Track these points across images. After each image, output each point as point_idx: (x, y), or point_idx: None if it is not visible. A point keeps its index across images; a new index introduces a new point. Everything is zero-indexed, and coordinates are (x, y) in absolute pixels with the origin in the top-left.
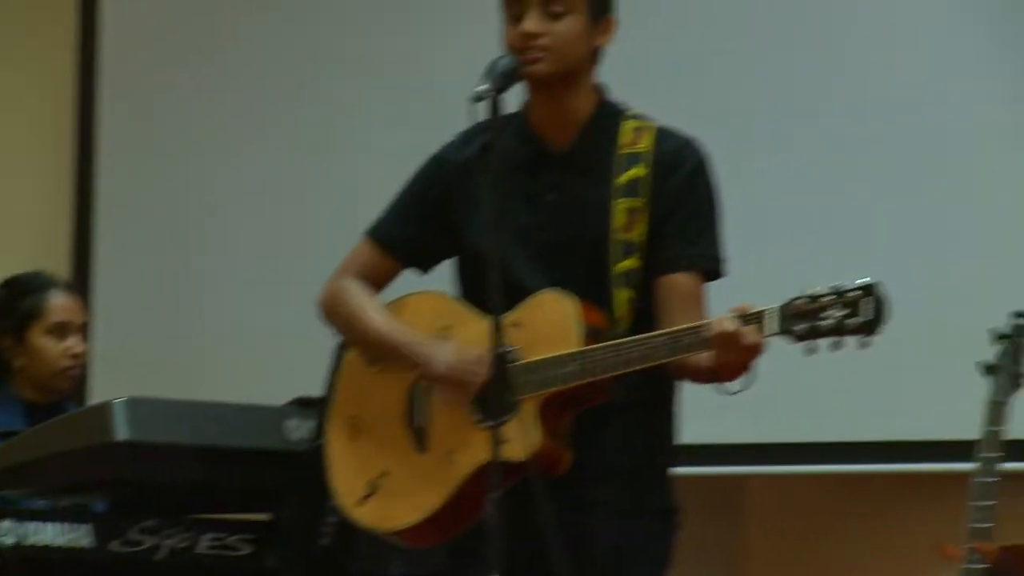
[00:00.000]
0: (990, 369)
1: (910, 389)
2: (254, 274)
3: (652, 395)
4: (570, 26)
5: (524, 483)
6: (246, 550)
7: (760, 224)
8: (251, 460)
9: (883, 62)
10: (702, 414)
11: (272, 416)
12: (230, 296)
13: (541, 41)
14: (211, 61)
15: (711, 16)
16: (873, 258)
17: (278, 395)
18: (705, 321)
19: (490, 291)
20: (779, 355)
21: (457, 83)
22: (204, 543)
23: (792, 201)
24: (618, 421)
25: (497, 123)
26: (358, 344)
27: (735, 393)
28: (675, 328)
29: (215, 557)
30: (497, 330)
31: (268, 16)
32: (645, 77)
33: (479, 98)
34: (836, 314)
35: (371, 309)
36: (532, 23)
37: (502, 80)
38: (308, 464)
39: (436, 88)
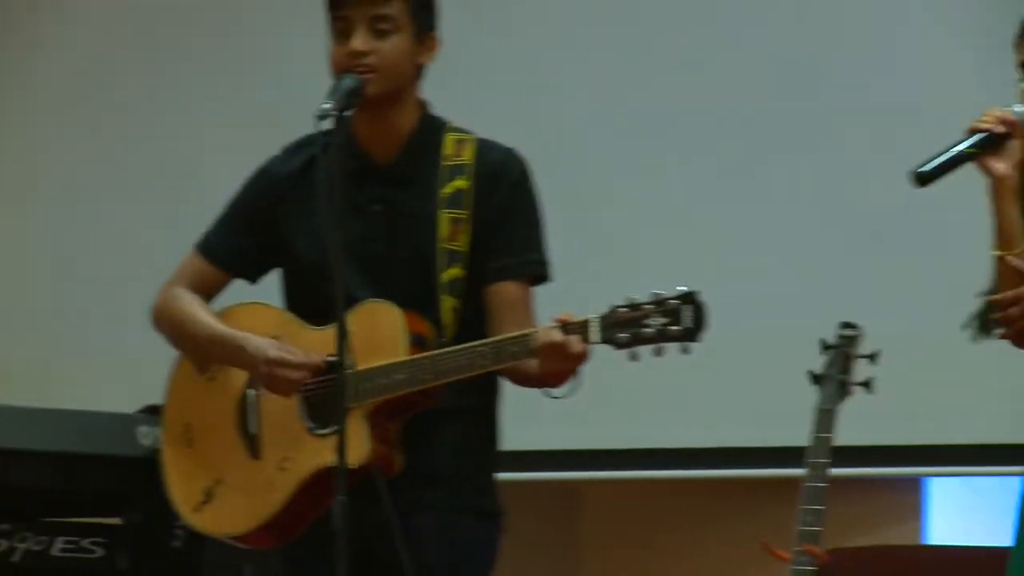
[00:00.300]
0: (818, 378)
1: (743, 396)
2: (105, 282)
3: (477, 401)
4: (396, 44)
5: (354, 488)
6: (99, 553)
7: (594, 231)
8: (103, 465)
9: (704, 67)
10: (537, 420)
11: (123, 423)
12: (81, 305)
13: (369, 59)
14: (54, 59)
15: (534, 24)
16: (709, 266)
17: (130, 403)
18: (530, 331)
19: (335, 298)
20: (613, 361)
21: (298, 101)
22: (58, 546)
23: (629, 207)
24: (445, 426)
25: (341, 139)
26: (188, 348)
27: (562, 397)
28: (500, 337)
29: (69, 560)
30: (341, 337)
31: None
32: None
33: (324, 116)
34: (657, 322)
35: (202, 313)
36: (360, 41)
37: (345, 99)
38: (158, 469)
39: (276, 105)
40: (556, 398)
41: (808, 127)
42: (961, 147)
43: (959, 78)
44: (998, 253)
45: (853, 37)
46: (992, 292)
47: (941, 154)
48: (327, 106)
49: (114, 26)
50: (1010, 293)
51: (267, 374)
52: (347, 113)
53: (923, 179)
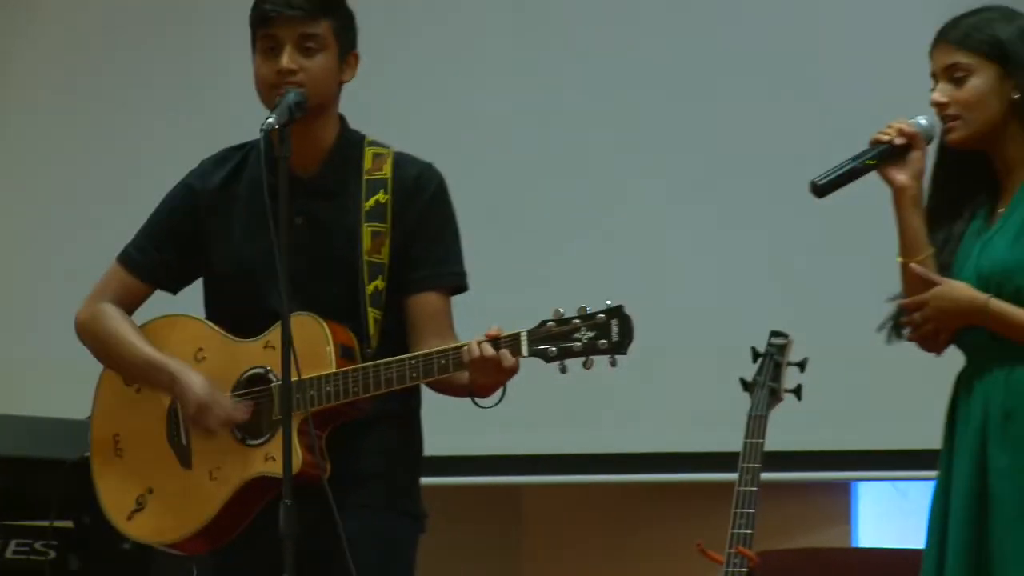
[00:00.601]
0: (749, 385)
1: (678, 403)
2: (56, 289)
3: (399, 407)
4: (322, 63)
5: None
6: (51, 555)
7: (526, 242)
8: (55, 470)
9: (625, 75)
10: (480, 427)
11: (75, 428)
12: (31, 312)
13: (297, 77)
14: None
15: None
16: (646, 277)
17: (81, 409)
18: (462, 344)
19: (281, 312)
20: (551, 370)
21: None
22: (12, 548)
23: (565, 218)
24: (369, 431)
25: (284, 152)
26: (116, 367)
27: (489, 407)
28: (431, 350)
29: (23, 561)
30: (287, 348)
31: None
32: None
33: (270, 128)
34: (586, 336)
35: (129, 333)
36: (288, 59)
37: (289, 113)
38: None
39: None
40: (483, 408)
41: (733, 137)
42: (861, 159)
43: (887, 88)
44: (902, 261)
45: (782, 46)
46: (901, 297)
47: (841, 165)
48: (272, 119)
49: (91, 28)
50: (914, 299)
51: (193, 419)
52: (289, 126)
53: (819, 190)
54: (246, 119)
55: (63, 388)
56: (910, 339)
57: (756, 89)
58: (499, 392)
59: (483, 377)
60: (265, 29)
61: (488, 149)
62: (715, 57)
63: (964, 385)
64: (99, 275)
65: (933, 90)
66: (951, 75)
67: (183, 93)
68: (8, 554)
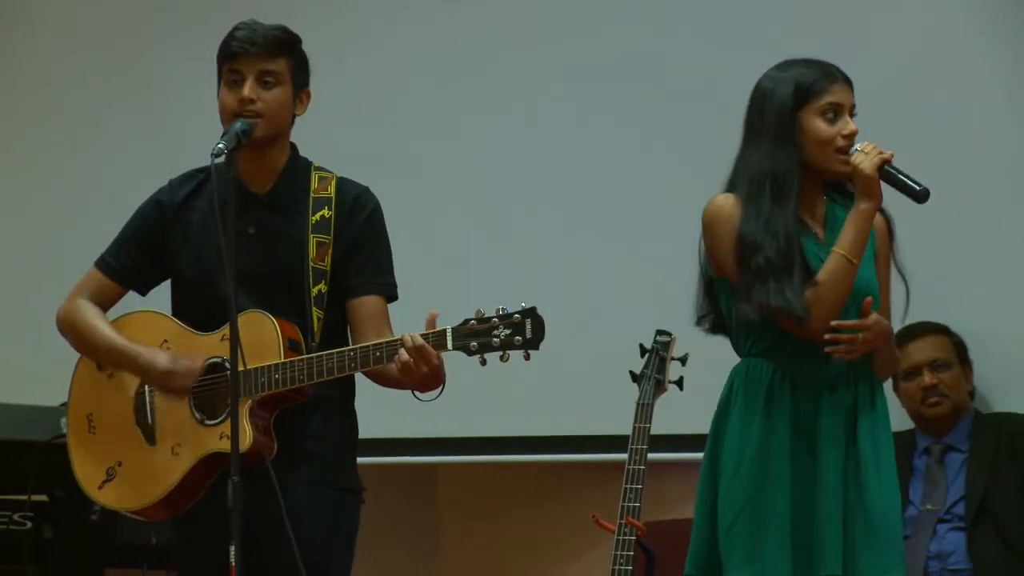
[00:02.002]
0: (637, 377)
1: (575, 392)
2: (31, 287)
3: (336, 393)
4: (278, 96)
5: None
6: (28, 525)
7: (460, 249)
8: (31, 451)
9: (521, 74)
10: (399, 413)
11: (50, 414)
12: (8, 309)
13: (256, 106)
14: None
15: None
16: (547, 281)
17: (54, 397)
18: (394, 338)
19: (228, 311)
20: (465, 361)
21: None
22: None
23: (491, 226)
24: (310, 415)
25: (235, 172)
26: (91, 354)
27: (429, 400)
28: (366, 344)
29: (3, 531)
30: (234, 343)
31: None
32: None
33: (219, 152)
34: (503, 333)
35: (102, 325)
36: (249, 90)
37: (236, 139)
38: None
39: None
40: (426, 400)
41: (624, 144)
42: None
43: None
44: (851, 259)
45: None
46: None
47: (909, 175)
48: (221, 144)
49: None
50: (860, 322)
51: (161, 384)
52: (237, 151)
53: (928, 195)
54: (208, 144)
55: (34, 378)
56: (843, 355)
57: (653, 92)
58: (440, 388)
59: (411, 368)
60: (230, 64)
61: (395, 170)
62: (609, 62)
63: (804, 383)
64: (77, 276)
65: (835, 120)
66: (851, 114)
67: (158, 125)
68: None
